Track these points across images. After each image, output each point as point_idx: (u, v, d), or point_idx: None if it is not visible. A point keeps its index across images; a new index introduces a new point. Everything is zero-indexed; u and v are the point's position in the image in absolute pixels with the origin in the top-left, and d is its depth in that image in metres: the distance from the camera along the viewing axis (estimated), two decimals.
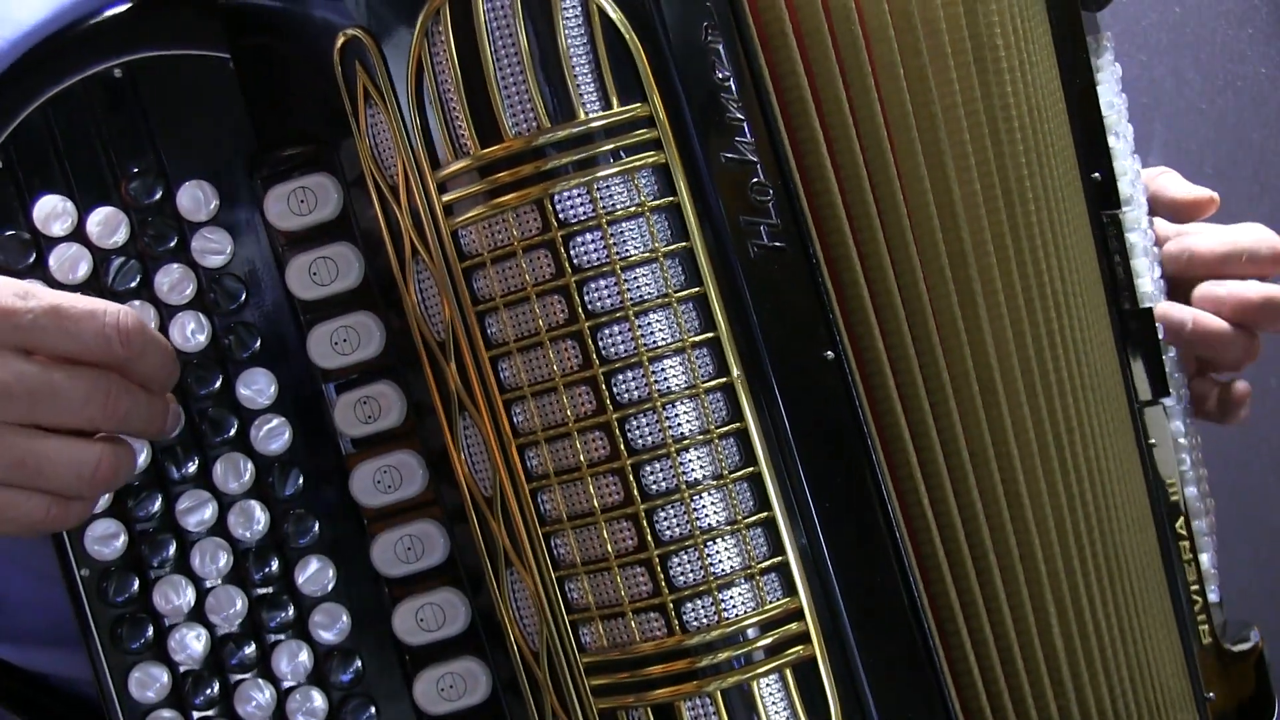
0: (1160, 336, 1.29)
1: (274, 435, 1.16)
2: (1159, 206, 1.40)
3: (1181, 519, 1.29)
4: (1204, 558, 1.31)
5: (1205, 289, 1.35)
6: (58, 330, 1.06)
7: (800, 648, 1.08)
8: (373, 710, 1.17)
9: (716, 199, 1.07)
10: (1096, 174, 1.27)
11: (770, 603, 1.07)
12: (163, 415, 1.13)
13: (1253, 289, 1.34)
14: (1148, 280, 1.30)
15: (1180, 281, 1.37)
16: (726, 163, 1.08)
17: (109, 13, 1.16)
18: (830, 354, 1.10)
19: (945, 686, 1.12)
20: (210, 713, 1.17)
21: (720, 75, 1.08)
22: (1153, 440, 1.28)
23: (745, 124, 1.09)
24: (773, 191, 1.09)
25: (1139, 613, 1.22)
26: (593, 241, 1.05)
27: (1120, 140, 1.31)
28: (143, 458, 1.16)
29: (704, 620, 1.06)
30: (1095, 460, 1.20)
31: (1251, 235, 1.38)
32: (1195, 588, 1.29)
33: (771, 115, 1.10)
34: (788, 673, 1.08)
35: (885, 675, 1.10)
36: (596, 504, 1.07)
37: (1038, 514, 1.16)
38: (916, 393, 1.13)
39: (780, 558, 1.08)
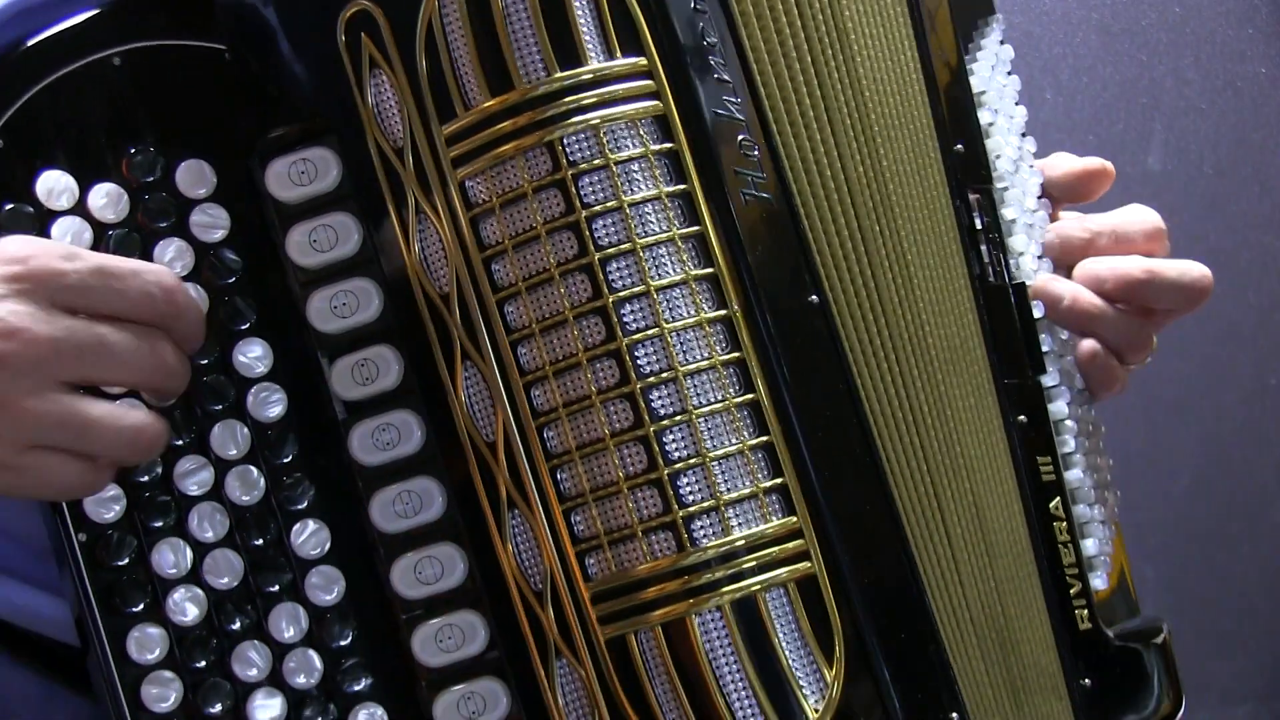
0: (1040, 314, 1.33)
1: (271, 402, 1.22)
2: (1052, 189, 1.40)
3: (1058, 500, 1.32)
4: (1087, 544, 1.33)
5: (1086, 265, 1.34)
6: (104, 289, 1.12)
7: (802, 564, 1.15)
8: (369, 670, 1.22)
9: (712, 148, 1.17)
10: (960, 145, 1.33)
11: (773, 521, 1.15)
12: (188, 374, 1.20)
13: (1134, 263, 1.33)
14: (1029, 258, 1.35)
15: (1061, 269, 1.38)
16: (717, 117, 1.18)
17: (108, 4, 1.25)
18: (815, 298, 1.20)
19: (931, 608, 1.20)
20: (208, 674, 1.21)
21: (709, 40, 1.19)
22: (1021, 417, 1.32)
23: (732, 85, 1.20)
24: (757, 149, 1.19)
25: (1001, 588, 1.28)
26: (600, 180, 1.14)
27: (1001, 117, 1.37)
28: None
29: (712, 536, 1.13)
30: (950, 433, 1.28)
31: (1124, 215, 1.39)
32: (1074, 571, 1.32)
33: (752, 79, 1.21)
34: (791, 587, 1.15)
35: (875, 592, 1.18)
36: (608, 430, 1.14)
37: (912, 479, 1.25)
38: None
39: (780, 479, 1.16)
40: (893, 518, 1.20)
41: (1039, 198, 1.38)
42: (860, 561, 1.17)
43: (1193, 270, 1.33)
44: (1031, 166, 1.39)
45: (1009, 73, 1.40)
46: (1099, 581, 1.34)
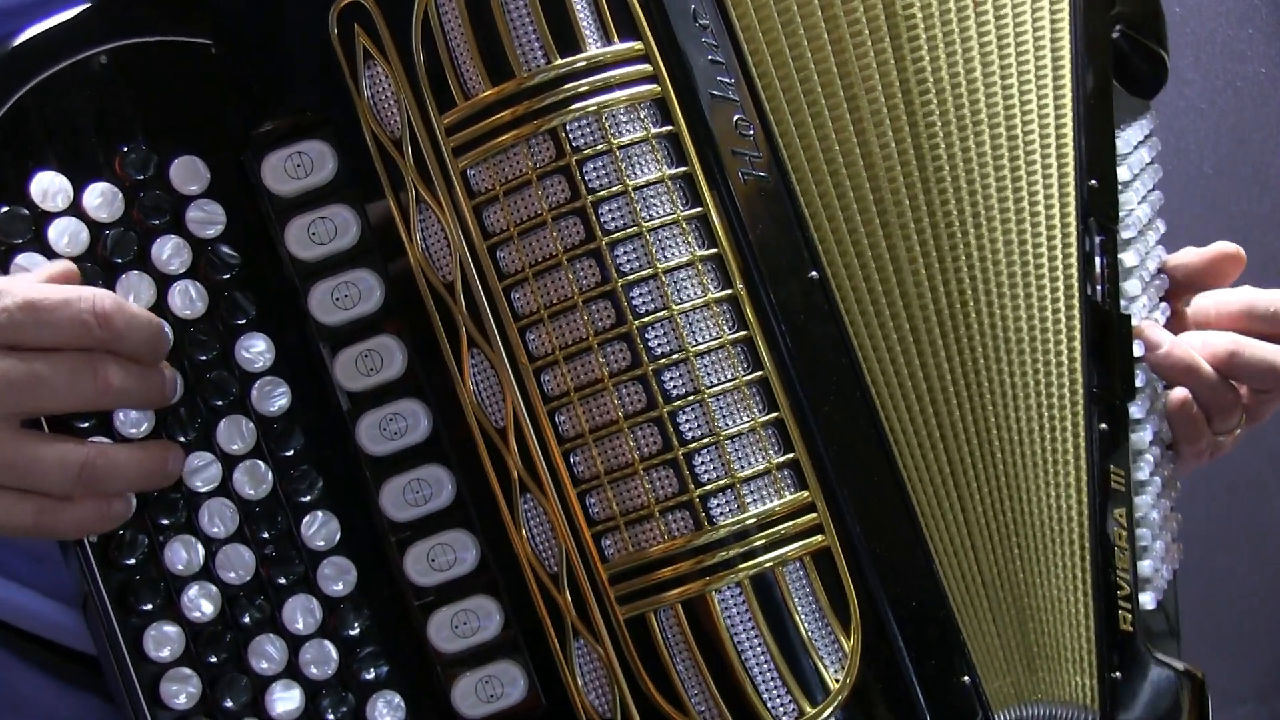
0: (1139, 352, 1.38)
1: (274, 396, 1.24)
2: (1180, 276, 1.47)
3: (1123, 510, 1.37)
4: (1143, 564, 1.39)
5: (1202, 297, 1.45)
6: (34, 323, 1.13)
7: (816, 537, 1.19)
8: (385, 658, 1.24)
9: (707, 130, 1.20)
10: (1094, 181, 1.37)
11: (786, 496, 1.18)
12: (160, 385, 1.20)
13: (1225, 337, 1.42)
14: (1139, 306, 1.40)
15: None
16: (713, 98, 1.21)
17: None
18: (815, 274, 1.23)
19: (939, 574, 1.24)
20: (226, 669, 1.23)
21: (701, 22, 1.22)
22: (1103, 425, 1.36)
23: (725, 66, 1.23)
24: (753, 128, 1.22)
25: (1024, 558, 1.33)
26: (604, 165, 1.17)
27: (1138, 183, 1.43)
28: (146, 426, 1.22)
29: (729, 513, 1.17)
30: (978, 406, 1.32)
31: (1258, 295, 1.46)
32: (1125, 576, 1.36)
33: (745, 60, 1.24)
34: (808, 560, 1.19)
35: (888, 565, 1.21)
36: (621, 412, 1.17)
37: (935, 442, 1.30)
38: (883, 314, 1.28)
39: (791, 454, 1.19)
40: (898, 487, 1.24)
41: (1159, 271, 1.45)
42: (870, 532, 1.21)
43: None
44: (1159, 244, 1.45)
45: (1152, 161, 1.46)
46: (1148, 600, 1.39)
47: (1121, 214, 1.39)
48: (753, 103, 1.24)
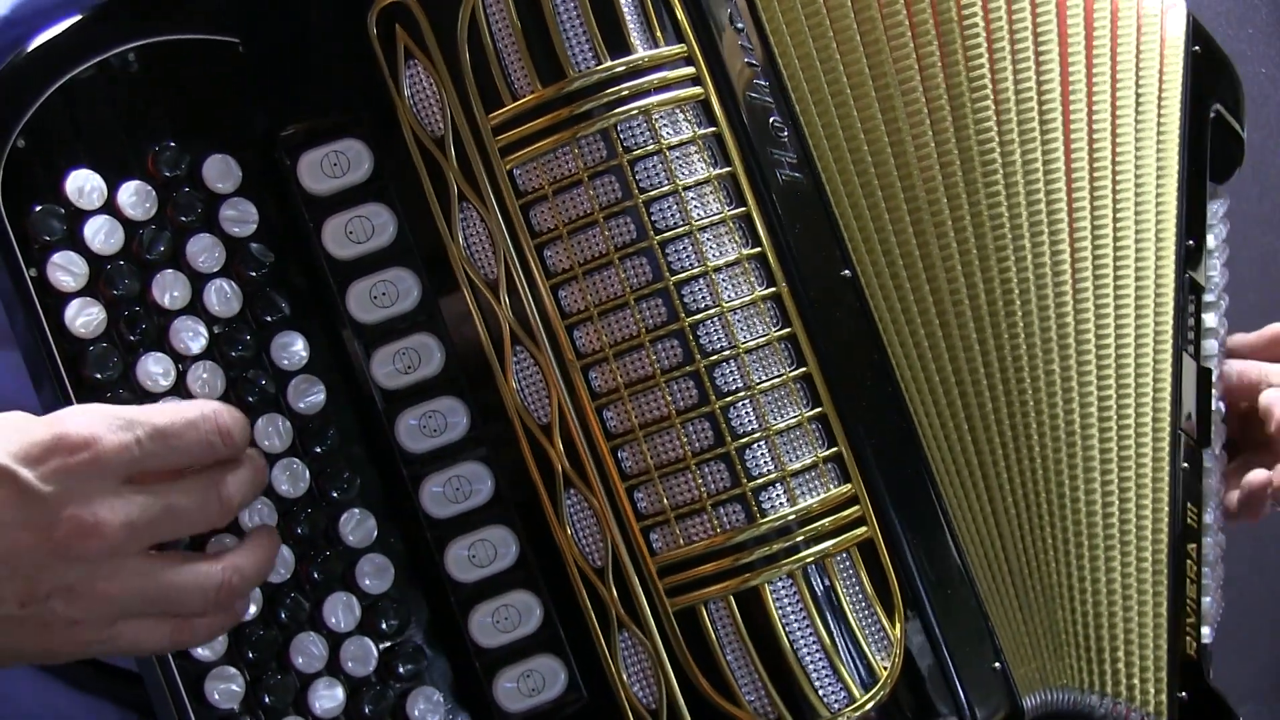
0: (1218, 403, 1.49)
1: (310, 393, 1.25)
2: (1242, 351, 1.60)
3: (1194, 545, 1.44)
4: (1205, 600, 1.46)
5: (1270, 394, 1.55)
6: (166, 451, 1.14)
7: (862, 529, 1.23)
8: (425, 654, 1.26)
9: (749, 131, 1.24)
10: (1191, 241, 1.45)
11: (832, 489, 1.22)
12: (264, 473, 1.23)
13: None
14: (1214, 363, 1.50)
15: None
16: (751, 100, 1.25)
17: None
18: (847, 272, 1.27)
19: (969, 566, 1.29)
20: (270, 668, 1.23)
21: (737, 25, 1.25)
22: (1185, 464, 1.44)
23: (759, 69, 1.26)
24: (788, 130, 1.26)
25: (1060, 549, 1.39)
26: (656, 165, 1.20)
27: (1217, 258, 1.52)
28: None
29: (780, 506, 1.20)
30: (1015, 403, 1.38)
31: None
32: (1193, 605, 1.44)
33: (775, 64, 1.28)
34: (854, 551, 1.22)
35: (924, 555, 1.26)
36: (673, 408, 1.20)
37: (977, 438, 1.35)
38: (908, 312, 1.32)
39: (835, 448, 1.23)
40: (930, 480, 1.28)
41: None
42: (907, 524, 1.25)
43: None
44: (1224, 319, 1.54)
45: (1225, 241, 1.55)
46: (1207, 634, 1.46)
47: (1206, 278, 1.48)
48: (785, 105, 1.27)
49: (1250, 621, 1.52)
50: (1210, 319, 1.49)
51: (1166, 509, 1.40)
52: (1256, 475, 1.52)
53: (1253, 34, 2.48)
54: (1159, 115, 1.43)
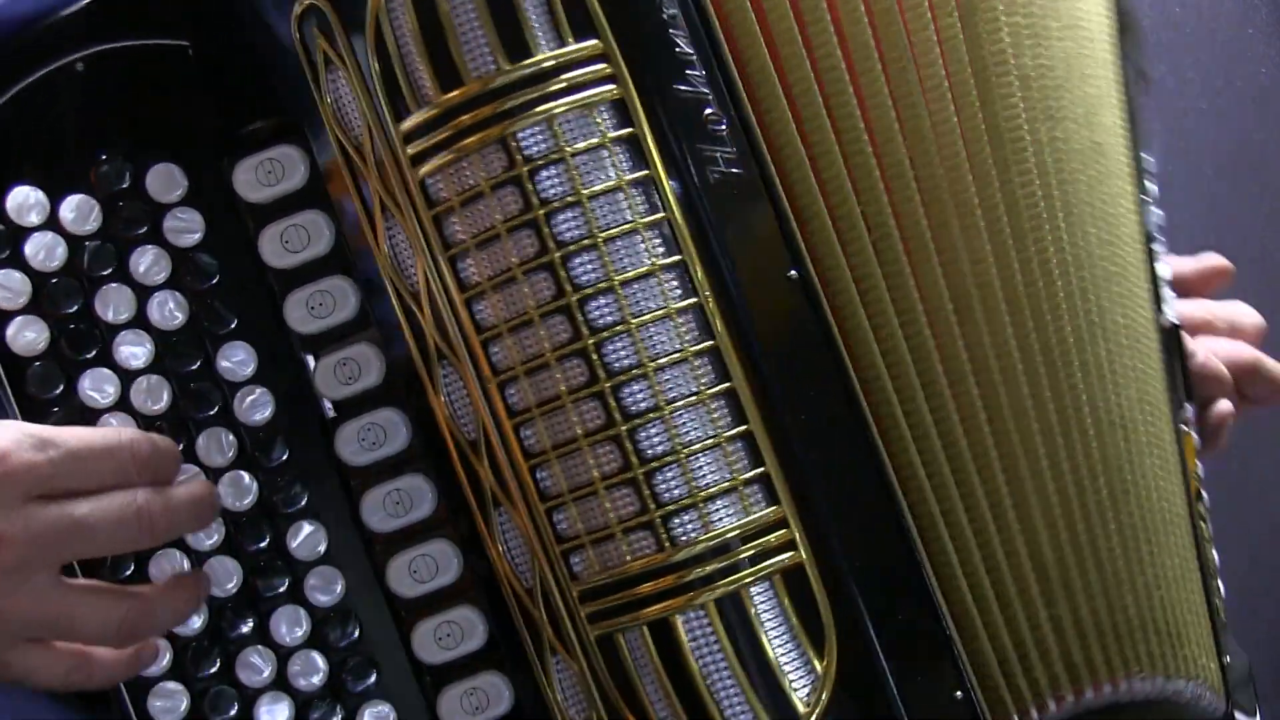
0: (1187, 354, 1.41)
1: (257, 406, 1.24)
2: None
3: (1203, 507, 1.39)
4: (1213, 554, 1.40)
5: (1207, 341, 1.50)
6: (80, 473, 1.14)
7: (788, 555, 1.15)
8: (374, 668, 1.24)
9: (672, 129, 1.16)
10: (1145, 196, 1.38)
11: (755, 513, 1.15)
12: (210, 505, 1.22)
13: (1247, 350, 1.51)
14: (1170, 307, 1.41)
15: None
16: (680, 94, 1.17)
17: (69, 9, 1.25)
18: (794, 273, 1.19)
19: (932, 590, 1.20)
20: (214, 683, 1.24)
21: (668, 13, 1.17)
22: (1184, 428, 1.37)
23: (694, 58, 1.18)
24: (726, 121, 1.18)
25: (1146, 537, 1.30)
26: (557, 174, 1.14)
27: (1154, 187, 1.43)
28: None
29: (691, 534, 1.14)
30: (1082, 381, 1.28)
31: (1238, 308, 1.54)
32: (1212, 571, 1.38)
33: (719, 49, 1.19)
34: (777, 579, 1.15)
35: (872, 579, 1.18)
36: (580, 430, 1.15)
37: (1021, 427, 1.25)
38: (884, 309, 1.21)
39: (761, 469, 1.16)
40: (888, 496, 1.20)
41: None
42: (853, 545, 1.17)
43: None
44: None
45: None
46: (1220, 588, 1.40)
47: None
48: (728, 93, 1.19)
49: (1250, 622, 1.43)
50: (1163, 269, 1.39)
51: (1180, 475, 1.34)
52: (1223, 406, 1.49)
53: (1253, 34, 2.29)
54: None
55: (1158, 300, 1.38)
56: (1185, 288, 1.52)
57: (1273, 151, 2.26)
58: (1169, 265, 1.43)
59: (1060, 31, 1.32)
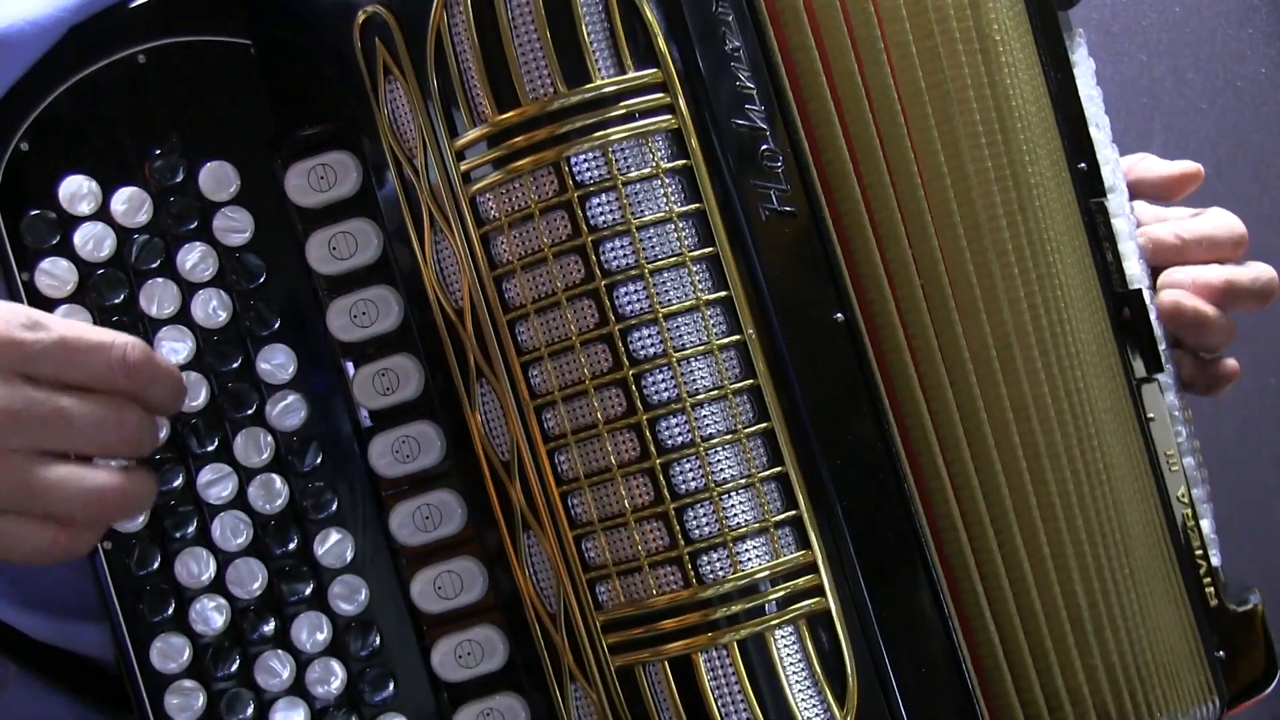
0: (1154, 316, 1.38)
1: (292, 410, 1.24)
2: (1143, 189, 1.49)
3: (1184, 488, 1.37)
4: (1204, 524, 1.39)
5: (1168, 275, 1.45)
6: (66, 362, 1.14)
7: (814, 600, 1.15)
8: (392, 680, 1.24)
9: (727, 163, 1.15)
10: (1082, 164, 1.37)
11: (784, 556, 1.14)
12: (157, 437, 1.23)
13: (1212, 272, 1.44)
14: (1134, 263, 1.39)
15: (1152, 269, 1.46)
16: (737, 129, 1.16)
17: (135, 1, 1.25)
18: (840, 316, 1.18)
19: (958, 642, 1.19)
20: (231, 684, 1.24)
21: (730, 46, 1.17)
22: (1151, 415, 1.36)
23: (755, 92, 1.17)
24: (782, 159, 1.17)
25: (1145, 578, 1.30)
26: (608, 202, 1.13)
27: (1100, 130, 1.40)
28: (164, 432, 1.24)
29: (719, 572, 1.13)
30: (1097, 432, 1.28)
31: (1212, 221, 1.48)
32: (1200, 553, 1.37)
33: (780, 85, 1.19)
34: (802, 625, 1.15)
35: (899, 630, 1.17)
36: (614, 460, 1.14)
37: (1057, 477, 1.24)
38: (931, 355, 1.21)
39: (794, 511, 1.15)
40: (920, 546, 1.19)
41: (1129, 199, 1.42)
42: (881, 595, 1.17)
43: (1263, 274, 1.44)
44: (1125, 174, 1.43)
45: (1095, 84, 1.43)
46: (1216, 557, 1.39)
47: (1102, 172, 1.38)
48: (786, 133, 1.18)
49: (1248, 584, 1.44)
50: (1120, 223, 1.38)
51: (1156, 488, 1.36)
52: (1231, 364, 1.49)
53: (1253, 34, 2.28)
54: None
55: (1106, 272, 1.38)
56: (1159, 194, 1.52)
57: (1273, 151, 2.25)
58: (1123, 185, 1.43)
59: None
